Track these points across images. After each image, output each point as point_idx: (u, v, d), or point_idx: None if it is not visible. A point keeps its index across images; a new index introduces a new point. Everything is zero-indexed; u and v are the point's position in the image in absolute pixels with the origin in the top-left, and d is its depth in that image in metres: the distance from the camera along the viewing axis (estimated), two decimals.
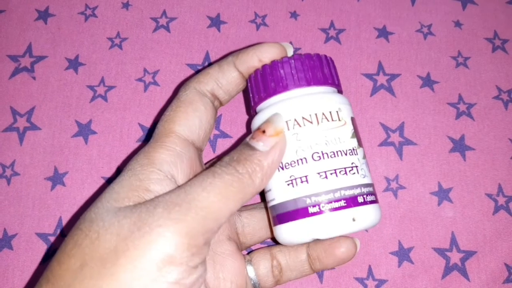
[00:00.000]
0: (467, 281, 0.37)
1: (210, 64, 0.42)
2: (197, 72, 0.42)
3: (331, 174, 0.28)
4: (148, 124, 0.41)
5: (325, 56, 0.31)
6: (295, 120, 0.28)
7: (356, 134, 0.30)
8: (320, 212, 0.28)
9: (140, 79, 0.42)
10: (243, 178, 0.26)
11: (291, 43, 0.42)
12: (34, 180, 0.39)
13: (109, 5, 0.44)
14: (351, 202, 0.28)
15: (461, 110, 0.41)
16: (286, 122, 0.29)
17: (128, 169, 0.28)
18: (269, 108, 0.30)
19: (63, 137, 0.40)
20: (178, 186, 0.27)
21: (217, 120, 0.41)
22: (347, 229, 0.28)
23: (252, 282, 0.32)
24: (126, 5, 0.44)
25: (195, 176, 0.27)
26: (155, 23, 0.43)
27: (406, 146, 0.40)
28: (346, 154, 0.28)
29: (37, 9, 0.44)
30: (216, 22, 0.43)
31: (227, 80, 0.31)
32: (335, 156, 0.28)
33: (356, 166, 0.29)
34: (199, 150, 0.31)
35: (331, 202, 0.28)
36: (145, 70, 0.42)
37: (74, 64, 0.42)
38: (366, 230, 0.38)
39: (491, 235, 0.38)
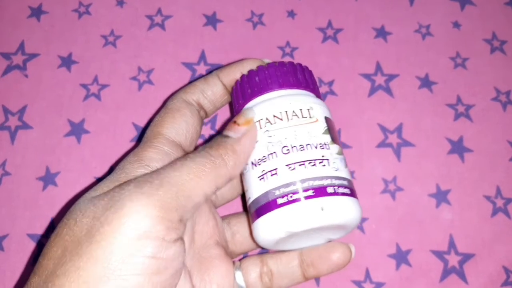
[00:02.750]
0: (465, 284, 0.37)
1: (205, 63, 0.41)
2: (193, 71, 0.41)
3: (299, 165, 0.28)
4: (142, 123, 0.40)
5: (300, 64, 0.32)
6: (267, 118, 0.29)
7: (330, 132, 0.30)
8: (288, 202, 0.27)
9: (134, 78, 0.41)
10: (216, 160, 0.27)
11: (288, 43, 0.42)
12: (25, 180, 0.38)
13: (103, 3, 0.43)
14: (319, 192, 0.27)
15: (459, 112, 0.40)
16: (259, 121, 0.30)
17: (117, 168, 0.29)
18: (256, 105, 0.31)
19: (55, 136, 0.39)
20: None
21: (212, 120, 0.40)
22: (316, 220, 0.27)
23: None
24: (120, 3, 0.43)
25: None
26: (150, 21, 0.42)
27: (404, 147, 0.39)
28: (316, 148, 0.29)
29: (30, 6, 0.43)
30: (212, 20, 0.43)
31: (212, 91, 0.33)
32: (304, 149, 0.28)
33: (327, 159, 0.29)
34: (184, 152, 0.32)
35: (298, 192, 0.27)
36: (139, 69, 0.41)
37: (67, 62, 0.41)
38: (361, 230, 0.38)
39: (489, 237, 0.38)
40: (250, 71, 0.32)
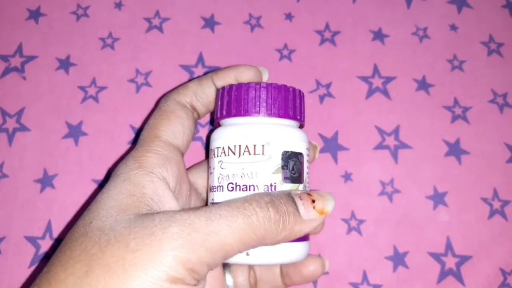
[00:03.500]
0: (462, 286, 0.37)
1: (203, 66, 0.41)
2: (190, 74, 0.41)
3: None
4: (140, 125, 0.40)
5: (285, 86, 0.31)
6: (223, 148, 0.29)
7: (285, 169, 0.29)
8: None
9: (132, 80, 0.41)
10: (270, 229, 0.25)
11: (285, 46, 0.42)
12: (23, 182, 0.38)
13: (101, 5, 0.43)
14: None
15: (456, 114, 0.40)
16: (217, 149, 0.30)
17: (119, 174, 0.28)
18: (218, 129, 0.31)
19: (53, 138, 0.39)
20: (205, 206, 0.26)
21: (209, 123, 0.40)
22: (242, 260, 0.28)
23: None
24: (118, 5, 0.43)
25: (229, 200, 0.26)
26: (148, 24, 0.43)
27: (401, 149, 0.40)
28: (259, 189, 0.28)
29: (28, 9, 0.43)
30: (210, 23, 0.43)
31: (205, 93, 0.33)
32: (247, 190, 0.28)
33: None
34: (182, 155, 0.32)
35: None
36: (137, 71, 0.41)
37: (65, 64, 0.41)
38: (358, 232, 0.38)
39: (486, 239, 0.38)
40: (230, 86, 0.31)
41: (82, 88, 0.41)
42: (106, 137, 0.40)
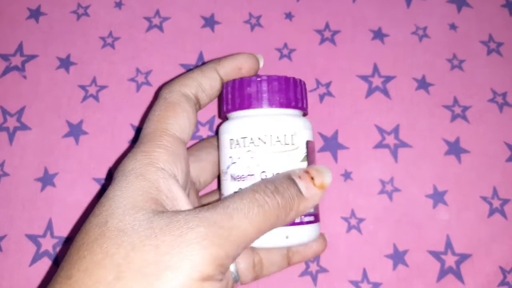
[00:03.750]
0: (462, 284, 0.37)
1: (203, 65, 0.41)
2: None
3: None
4: (140, 124, 0.40)
5: (293, 78, 0.32)
6: (251, 138, 0.30)
7: (308, 157, 0.31)
8: None
9: (132, 79, 0.41)
10: (280, 214, 0.27)
11: (285, 45, 0.42)
12: (23, 181, 0.38)
13: (101, 4, 0.43)
14: None
15: (456, 113, 0.41)
16: (244, 138, 0.31)
17: (130, 170, 0.27)
18: (233, 119, 0.32)
19: (54, 137, 0.39)
20: (220, 202, 0.26)
21: (210, 122, 0.40)
22: (280, 244, 0.30)
23: (233, 276, 0.33)
24: (119, 4, 0.43)
25: (239, 194, 0.27)
26: (148, 23, 0.43)
27: (401, 148, 0.40)
28: None
29: (29, 8, 0.43)
30: (210, 22, 0.43)
31: (210, 85, 0.33)
32: None
33: None
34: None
35: None
36: (137, 70, 0.41)
37: (65, 63, 0.41)
38: (358, 231, 0.38)
39: (486, 238, 0.38)
40: (242, 80, 0.32)
41: (82, 87, 0.41)
42: (106, 136, 0.40)
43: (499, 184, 0.39)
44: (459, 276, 0.37)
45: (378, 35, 0.43)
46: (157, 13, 0.43)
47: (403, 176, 0.39)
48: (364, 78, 0.41)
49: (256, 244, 0.29)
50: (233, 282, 0.33)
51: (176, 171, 0.28)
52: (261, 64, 0.34)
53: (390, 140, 0.40)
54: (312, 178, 0.29)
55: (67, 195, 0.38)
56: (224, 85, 0.33)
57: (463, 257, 0.37)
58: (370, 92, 0.41)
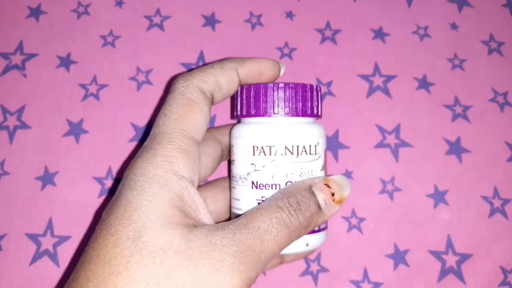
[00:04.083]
0: (463, 284, 0.37)
1: (204, 64, 0.41)
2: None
3: None
4: (140, 123, 0.40)
5: (311, 86, 0.32)
6: (278, 148, 0.30)
7: (325, 166, 0.32)
8: None
9: (133, 78, 0.41)
10: (301, 232, 0.27)
11: (286, 44, 0.42)
12: (24, 180, 0.38)
13: (102, 3, 0.43)
14: None
15: (457, 112, 0.41)
16: (270, 147, 0.30)
17: (152, 177, 0.26)
18: (255, 124, 0.32)
19: (54, 136, 0.39)
20: (249, 221, 0.26)
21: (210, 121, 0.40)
22: (299, 250, 0.31)
23: None
24: (119, 3, 0.43)
25: (265, 210, 0.27)
26: (149, 22, 0.43)
27: (402, 148, 0.40)
28: None
29: (29, 6, 0.43)
30: (210, 21, 0.43)
31: (228, 85, 0.31)
32: None
33: None
34: None
35: None
36: (138, 69, 0.41)
37: (65, 62, 0.41)
38: (359, 231, 0.38)
39: (487, 238, 0.38)
40: (266, 85, 0.31)
41: (83, 86, 0.41)
42: (107, 134, 0.39)
43: (500, 184, 0.39)
44: (460, 276, 0.37)
45: (379, 34, 0.43)
46: (158, 12, 0.43)
47: (404, 176, 0.39)
48: (365, 77, 0.41)
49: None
50: None
51: (194, 179, 0.28)
52: (282, 72, 0.33)
53: (391, 139, 0.40)
54: (333, 194, 0.29)
55: (67, 194, 0.38)
56: (244, 87, 0.32)
57: (464, 257, 0.37)
58: (371, 91, 0.41)
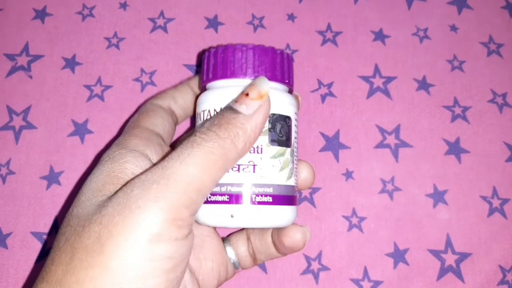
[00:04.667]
0: (462, 282, 0.37)
1: None
2: (194, 73, 0.42)
3: (233, 169, 0.29)
4: None
5: (273, 49, 0.31)
6: (209, 111, 0.29)
7: (273, 131, 0.29)
8: (212, 202, 0.29)
9: (137, 79, 0.42)
10: (225, 144, 0.25)
11: (288, 46, 0.43)
12: (29, 179, 0.39)
13: (106, 5, 0.44)
14: (234, 198, 0.29)
15: (456, 113, 0.41)
16: (202, 111, 0.30)
17: (102, 159, 0.29)
18: (221, 88, 0.30)
19: (59, 136, 0.40)
20: (155, 163, 0.27)
21: None
22: (227, 223, 0.29)
23: (232, 261, 0.33)
24: (123, 5, 0.44)
25: (175, 149, 0.26)
26: (153, 24, 0.43)
27: (402, 148, 0.40)
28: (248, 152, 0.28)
29: (35, 8, 0.43)
30: (213, 23, 0.43)
31: (183, 98, 0.35)
32: None
33: (254, 165, 0.29)
34: (164, 141, 0.32)
35: (216, 195, 0.29)
36: (142, 70, 0.42)
37: (71, 63, 0.42)
38: (359, 230, 0.38)
39: (485, 237, 0.38)
40: (229, 46, 0.30)
41: (87, 87, 0.41)
42: (111, 135, 0.40)
43: (499, 184, 0.39)
44: (459, 275, 0.37)
45: (379, 36, 0.43)
46: (161, 14, 0.43)
47: (403, 176, 0.40)
48: (366, 78, 0.42)
49: (201, 220, 0.29)
50: (233, 268, 0.34)
51: (149, 153, 0.29)
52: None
53: (391, 140, 0.40)
54: (247, 94, 0.27)
55: (73, 193, 0.39)
56: (212, 50, 0.31)
57: (463, 256, 0.38)
58: (371, 92, 0.41)
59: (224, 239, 0.34)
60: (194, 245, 0.31)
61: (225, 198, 0.29)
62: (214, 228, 0.34)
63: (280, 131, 0.29)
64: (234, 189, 0.28)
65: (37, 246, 0.38)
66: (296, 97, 0.33)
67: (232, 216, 0.28)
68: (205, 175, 0.25)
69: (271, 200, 0.29)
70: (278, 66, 0.31)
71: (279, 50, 0.31)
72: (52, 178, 0.39)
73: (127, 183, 0.26)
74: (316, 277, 0.38)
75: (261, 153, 0.29)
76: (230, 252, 0.34)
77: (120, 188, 0.25)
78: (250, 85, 0.28)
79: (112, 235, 0.23)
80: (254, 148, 0.29)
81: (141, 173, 0.26)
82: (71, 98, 0.41)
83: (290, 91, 0.33)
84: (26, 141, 0.40)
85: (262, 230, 0.34)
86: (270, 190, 0.29)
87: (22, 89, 0.41)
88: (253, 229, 0.34)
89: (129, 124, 0.32)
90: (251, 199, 0.28)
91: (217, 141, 0.25)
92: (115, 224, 0.23)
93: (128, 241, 0.23)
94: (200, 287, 0.31)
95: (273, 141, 0.29)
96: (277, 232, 0.32)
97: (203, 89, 0.33)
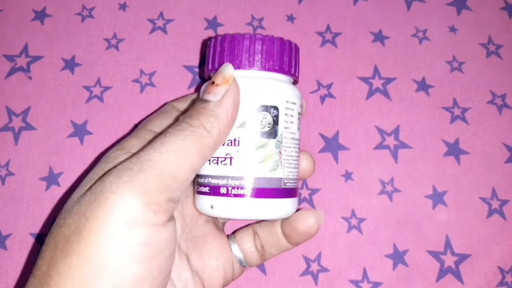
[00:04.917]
0: (461, 284, 0.37)
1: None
2: (194, 74, 0.42)
3: (213, 161, 0.30)
4: None
5: (290, 42, 0.32)
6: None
7: (251, 123, 0.29)
8: (198, 192, 0.31)
9: (136, 80, 0.42)
10: (197, 130, 0.26)
11: None
12: (29, 180, 0.39)
13: (106, 6, 0.44)
14: (213, 190, 0.30)
15: (455, 114, 0.41)
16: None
17: (100, 161, 0.29)
18: None
19: (59, 137, 0.40)
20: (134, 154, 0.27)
21: None
22: (209, 213, 0.30)
23: (237, 259, 0.33)
24: (123, 6, 0.44)
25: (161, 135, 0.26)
26: (152, 25, 0.43)
27: (401, 149, 0.40)
28: (223, 145, 0.29)
29: (34, 10, 0.43)
30: (213, 24, 0.43)
31: None
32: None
33: (231, 158, 0.29)
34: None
35: (201, 186, 0.30)
36: (141, 71, 0.42)
37: (70, 64, 0.42)
38: (359, 231, 0.38)
39: (485, 238, 0.38)
40: (236, 36, 0.30)
41: (87, 88, 0.41)
42: (110, 136, 0.40)
43: (498, 185, 0.39)
44: (458, 276, 0.37)
45: (379, 37, 0.43)
46: (161, 15, 0.43)
47: (403, 177, 0.40)
48: (365, 79, 0.42)
49: (197, 207, 0.31)
50: (240, 266, 0.33)
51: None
52: None
53: (390, 141, 0.40)
54: (213, 82, 0.27)
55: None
56: (219, 37, 0.31)
57: (462, 257, 0.38)
58: (370, 93, 0.41)
59: (229, 236, 0.34)
60: (196, 244, 0.32)
61: (207, 189, 0.30)
62: (218, 225, 0.34)
63: (261, 122, 0.29)
64: (213, 181, 0.29)
65: (37, 247, 0.38)
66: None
67: (212, 207, 0.30)
68: (180, 161, 0.25)
69: (248, 193, 0.29)
70: (265, 54, 0.30)
71: (276, 38, 0.31)
72: (51, 179, 0.39)
73: (106, 172, 0.26)
74: (315, 278, 0.38)
75: (238, 145, 0.29)
76: (235, 249, 0.33)
77: (98, 178, 0.26)
78: (216, 73, 0.28)
79: (88, 221, 0.23)
80: (231, 140, 0.29)
81: (118, 164, 0.26)
82: (70, 99, 0.41)
83: (295, 82, 0.33)
84: (25, 142, 0.40)
85: (271, 222, 0.33)
86: (247, 183, 0.29)
87: (22, 90, 0.41)
88: (254, 221, 0.34)
89: (140, 124, 0.33)
90: (228, 191, 0.29)
91: (189, 129, 0.26)
92: (91, 211, 0.23)
93: (104, 227, 0.23)
94: (205, 287, 0.31)
95: (252, 133, 0.29)
96: (288, 220, 0.32)
97: (207, 77, 0.33)
